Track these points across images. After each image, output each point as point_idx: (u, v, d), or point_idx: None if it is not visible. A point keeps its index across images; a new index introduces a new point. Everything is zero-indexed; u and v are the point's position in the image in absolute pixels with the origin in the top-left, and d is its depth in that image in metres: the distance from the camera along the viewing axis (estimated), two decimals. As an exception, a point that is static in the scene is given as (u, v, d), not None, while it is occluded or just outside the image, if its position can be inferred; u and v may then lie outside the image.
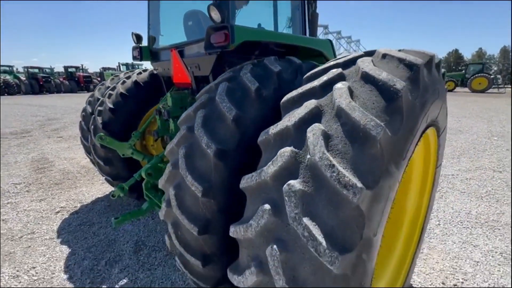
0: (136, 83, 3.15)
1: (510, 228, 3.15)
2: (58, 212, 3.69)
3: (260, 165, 1.14)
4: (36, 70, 31.49)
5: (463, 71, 29.79)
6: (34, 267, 2.60)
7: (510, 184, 4.39)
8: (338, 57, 1.49)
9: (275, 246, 0.93)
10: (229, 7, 2.00)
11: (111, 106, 2.98)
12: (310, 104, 1.08)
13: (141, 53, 3.06)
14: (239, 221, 1.12)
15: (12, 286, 2.36)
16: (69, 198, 4.12)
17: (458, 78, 28.77)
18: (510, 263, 2.57)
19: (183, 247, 1.47)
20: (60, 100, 21.68)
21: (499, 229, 3.14)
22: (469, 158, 5.80)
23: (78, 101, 19.61)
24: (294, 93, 1.22)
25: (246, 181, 1.13)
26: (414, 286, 2.34)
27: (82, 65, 36.40)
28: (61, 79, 32.61)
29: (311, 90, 1.17)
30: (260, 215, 0.99)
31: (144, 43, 3.14)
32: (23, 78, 29.88)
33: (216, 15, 1.89)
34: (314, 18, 3.07)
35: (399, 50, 1.31)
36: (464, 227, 3.20)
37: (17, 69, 34.14)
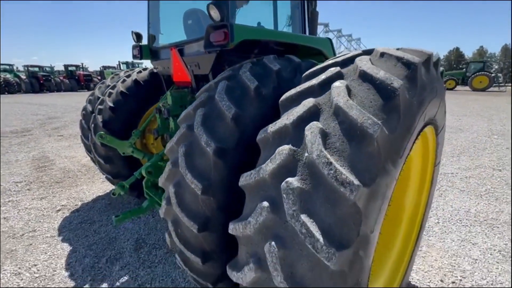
0: (136, 81, 3.16)
1: (510, 227, 3.16)
2: (59, 210, 3.71)
3: (259, 163, 1.15)
4: (36, 69, 31.50)
5: (464, 69, 29.69)
6: (35, 265, 2.63)
7: (510, 183, 4.40)
8: (337, 55, 1.49)
9: (273, 243, 0.94)
10: (229, 6, 2.00)
11: (112, 104, 2.99)
12: (308, 102, 1.09)
13: (141, 51, 3.06)
14: (238, 219, 1.14)
15: (13, 285, 2.38)
16: (70, 196, 4.14)
17: (459, 77, 28.69)
18: (510, 261, 2.59)
19: (183, 245, 1.48)
20: (61, 98, 21.70)
21: (498, 227, 3.15)
22: (469, 157, 5.81)
23: (79, 99, 19.62)
24: (292, 91, 1.23)
25: (245, 179, 1.14)
26: (413, 283, 2.36)
27: (82, 64, 36.38)
28: (61, 78, 32.60)
29: (309, 89, 1.18)
30: (259, 212, 1.00)
31: (144, 41, 3.14)
32: (23, 76, 29.87)
33: (215, 14, 1.89)
34: (314, 16, 3.07)
35: (397, 49, 1.32)
36: (463, 225, 3.21)
37: (17, 67, 34.20)
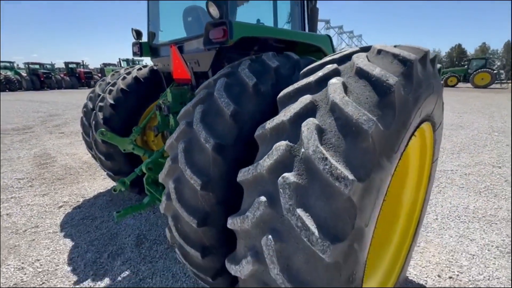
0: (136, 79, 3.18)
1: (508, 223, 3.18)
2: (61, 206, 3.75)
3: (257, 158, 1.17)
4: (37, 66, 31.51)
5: (466, 66, 29.52)
6: (38, 260, 2.67)
7: (510, 179, 4.41)
8: (335, 52, 1.50)
9: (270, 236, 0.97)
10: (228, 3, 2.01)
11: (112, 101, 3.01)
12: (305, 99, 1.11)
13: (141, 49, 3.07)
14: (236, 213, 1.16)
15: (16, 280, 2.43)
16: (72, 193, 4.18)
17: (460, 74, 28.52)
18: (507, 257, 2.61)
19: (183, 239, 1.51)
20: (61, 96, 21.73)
21: (496, 224, 3.18)
22: (469, 154, 5.81)
23: (79, 97, 19.65)
24: (290, 88, 1.25)
25: (243, 174, 1.16)
26: (410, 278, 2.39)
27: (82, 61, 36.41)
28: (62, 75, 32.63)
29: (306, 86, 1.19)
30: (256, 207, 1.03)
31: (144, 39, 3.15)
32: (24, 74, 29.90)
33: (214, 11, 1.90)
34: (314, 13, 3.07)
35: (395, 46, 1.33)
36: (462, 222, 3.24)
37: (17, 65, 34.12)
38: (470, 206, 3.59)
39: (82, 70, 33.88)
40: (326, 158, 0.92)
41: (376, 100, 1.03)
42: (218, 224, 1.42)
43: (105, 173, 3.57)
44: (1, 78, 26.96)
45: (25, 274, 2.48)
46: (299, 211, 0.92)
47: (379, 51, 1.23)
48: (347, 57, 1.28)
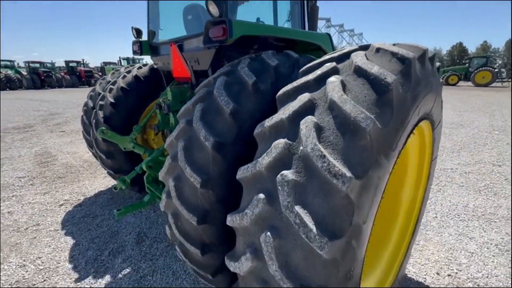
0: (136, 77, 3.18)
1: (509, 221, 3.18)
2: (62, 204, 3.77)
3: (256, 156, 1.18)
4: (37, 65, 31.49)
5: (467, 64, 29.41)
6: (40, 257, 2.69)
7: (510, 178, 4.42)
8: (334, 51, 1.51)
9: (268, 233, 0.98)
10: (227, 1, 2.01)
11: (112, 100, 3.02)
12: (304, 97, 1.12)
13: (141, 47, 3.08)
14: (235, 211, 1.17)
15: (18, 277, 2.45)
16: (73, 191, 4.20)
17: (461, 72, 28.42)
18: (506, 255, 2.62)
19: (183, 237, 1.52)
20: (62, 94, 21.75)
21: (495, 222, 3.18)
22: (469, 152, 5.82)
23: (80, 95, 19.67)
24: (289, 86, 1.25)
25: (242, 172, 1.17)
26: (409, 276, 2.40)
27: (83, 60, 36.38)
28: (63, 74, 32.63)
29: (305, 84, 1.20)
30: (255, 204, 1.04)
31: (144, 37, 3.15)
32: (24, 73, 29.91)
33: (214, 10, 1.90)
34: (314, 11, 3.06)
35: (394, 44, 1.33)
36: (461, 220, 3.25)
37: (18, 64, 34.16)
38: (469, 205, 3.60)
39: (82, 68, 33.89)
40: (324, 156, 0.93)
41: (374, 98, 1.03)
42: (218, 221, 1.43)
43: (106, 171, 3.59)
44: (1, 77, 26.98)
45: (26, 271, 2.50)
46: (298, 208, 0.93)
47: (378, 50, 1.23)
48: (346, 56, 1.28)
